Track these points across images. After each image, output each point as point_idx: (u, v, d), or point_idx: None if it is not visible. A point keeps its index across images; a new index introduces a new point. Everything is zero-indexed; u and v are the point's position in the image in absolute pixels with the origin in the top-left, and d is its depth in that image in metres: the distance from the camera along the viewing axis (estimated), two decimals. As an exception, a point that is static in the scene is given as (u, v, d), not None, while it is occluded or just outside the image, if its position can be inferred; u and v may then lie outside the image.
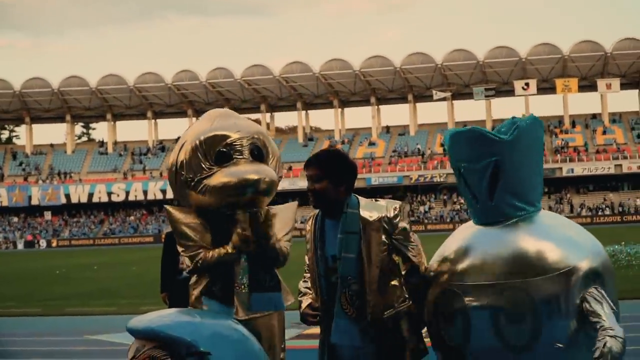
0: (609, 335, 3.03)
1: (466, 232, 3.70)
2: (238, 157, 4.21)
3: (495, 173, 3.38)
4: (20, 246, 70.33)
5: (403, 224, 3.39)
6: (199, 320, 3.36)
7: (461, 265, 3.45)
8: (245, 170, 4.11)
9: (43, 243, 70.72)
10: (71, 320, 14.52)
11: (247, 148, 4.27)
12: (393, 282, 3.38)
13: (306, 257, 3.65)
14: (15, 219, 75.47)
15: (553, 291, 3.24)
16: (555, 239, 3.42)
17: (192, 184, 4.16)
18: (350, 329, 3.27)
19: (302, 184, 63.74)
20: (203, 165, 4.13)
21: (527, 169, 3.51)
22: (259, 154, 4.33)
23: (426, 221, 66.45)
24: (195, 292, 3.89)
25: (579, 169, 68.23)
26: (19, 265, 37.03)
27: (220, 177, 4.06)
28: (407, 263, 3.45)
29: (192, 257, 4.10)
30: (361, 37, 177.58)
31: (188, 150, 4.19)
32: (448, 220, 65.23)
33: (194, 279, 3.97)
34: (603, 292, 3.25)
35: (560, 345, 3.23)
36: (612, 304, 3.25)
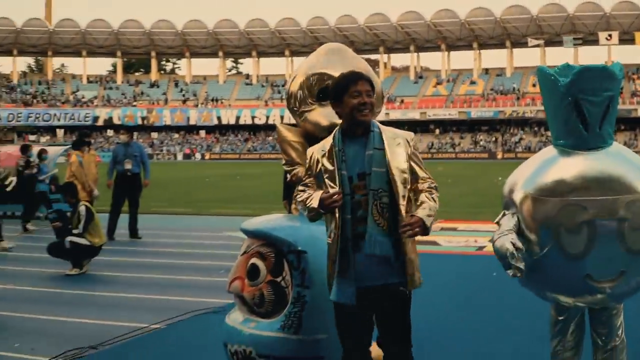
0: None
1: (572, 157, 3.91)
2: None
3: (608, 106, 3.80)
4: (179, 158, 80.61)
5: (418, 146, 3.63)
6: (299, 224, 4.24)
7: (583, 184, 3.76)
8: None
9: (198, 156, 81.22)
10: (214, 219, 16.39)
11: None
12: (410, 195, 3.51)
13: (306, 181, 3.67)
14: (176, 135, 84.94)
15: None
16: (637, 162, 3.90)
17: (297, 113, 4.71)
18: (382, 240, 3.35)
19: (413, 115, 79.40)
20: (306, 100, 4.62)
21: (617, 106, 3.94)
22: None
23: (517, 150, 73.88)
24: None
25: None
26: (176, 174, 40.51)
27: (316, 115, 4.56)
28: (419, 180, 3.57)
29: (289, 171, 4.70)
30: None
31: (297, 83, 4.68)
32: (536, 149, 61.95)
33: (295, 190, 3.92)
34: None
35: None
36: None
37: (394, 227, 3.43)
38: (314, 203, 3.44)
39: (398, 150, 3.53)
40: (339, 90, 3.59)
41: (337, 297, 3.50)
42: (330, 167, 3.49)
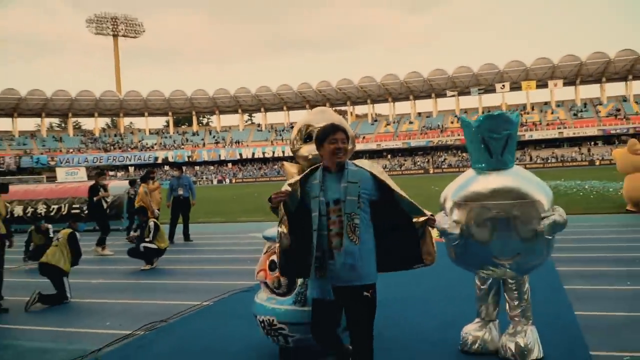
0: (556, 214, 3.83)
1: (482, 175, 4.02)
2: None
3: (507, 140, 3.89)
4: (214, 183, 79.11)
5: (380, 168, 3.46)
6: None
7: (488, 192, 3.86)
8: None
9: (227, 181, 79.93)
10: (241, 225, 15.85)
11: None
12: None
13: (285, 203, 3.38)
14: (212, 167, 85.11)
15: (540, 209, 3.82)
16: (530, 178, 4.00)
17: (293, 151, 4.70)
18: (354, 251, 3.15)
19: (371, 146, 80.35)
20: (298, 141, 4.63)
21: (515, 140, 4.02)
22: None
23: (443, 167, 74.59)
24: None
25: None
26: (213, 194, 40.49)
27: (303, 150, 4.56)
28: (392, 192, 3.37)
29: None
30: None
31: (294, 132, 4.69)
32: (455, 165, 72.55)
33: None
34: (561, 209, 3.93)
35: (549, 237, 3.84)
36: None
37: (361, 241, 3.25)
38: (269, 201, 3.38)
39: (367, 182, 3.36)
40: (322, 138, 3.42)
41: (318, 294, 3.35)
42: (313, 193, 3.34)
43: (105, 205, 11.69)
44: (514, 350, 4.05)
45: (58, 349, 5.00)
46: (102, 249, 11.38)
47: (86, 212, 15.39)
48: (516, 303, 4.17)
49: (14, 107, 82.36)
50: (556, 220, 3.78)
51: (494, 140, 3.90)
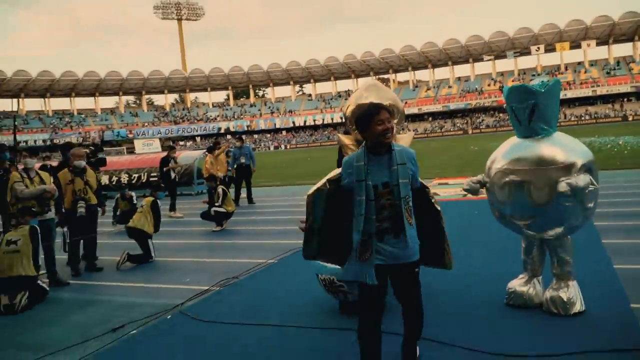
0: (572, 178, 3.56)
1: (515, 141, 3.91)
2: None
3: (532, 110, 3.68)
4: (271, 149, 78.25)
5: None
6: None
7: (512, 158, 3.78)
8: None
9: (282, 147, 78.84)
10: (296, 188, 15.55)
11: None
12: None
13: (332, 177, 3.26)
14: (268, 135, 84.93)
15: (559, 175, 3.58)
16: (562, 145, 3.73)
17: (349, 127, 4.45)
18: (413, 234, 2.86)
19: (413, 110, 79.45)
20: (352, 122, 4.23)
21: (550, 108, 3.73)
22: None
23: (481, 127, 72.15)
24: None
25: None
26: (270, 160, 38.46)
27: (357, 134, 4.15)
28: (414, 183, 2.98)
29: None
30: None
31: (349, 110, 4.38)
32: (492, 125, 70.94)
33: None
34: (585, 176, 3.62)
35: (568, 204, 3.61)
36: (593, 181, 3.64)
37: (414, 222, 2.93)
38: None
39: (410, 165, 2.97)
40: (366, 121, 2.94)
41: (356, 276, 2.95)
42: (359, 177, 2.90)
43: (173, 175, 11.89)
44: (557, 304, 3.94)
45: (145, 304, 5.18)
46: (174, 212, 11.66)
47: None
48: (557, 260, 4.04)
49: (96, 87, 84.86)
50: (570, 183, 3.54)
51: (520, 110, 3.80)
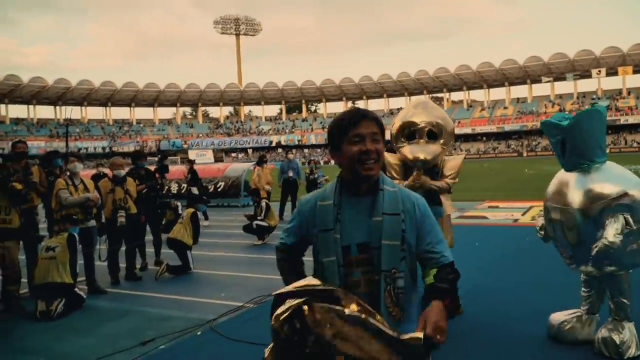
0: (602, 242, 3.15)
1: (560, 174, 3.64)
2: (418, 137, 4.17)
3: (563, 143, 3.45)
4: (321, 163, 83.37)
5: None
6: None
7: (552, 193, 3.59)
8: (417, 149, 4.09)
9: (332, 162, 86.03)
10: None
11: (424, 131, 4.15)
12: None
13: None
14: (319, 150, 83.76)
15: (591, 214, 3.25)
16: (608, 178, 3.32)
17: (396, 146, 4.33)
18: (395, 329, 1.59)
19: (466, 131, 78.71)
20: (399, 138, 4.25)
21: (585, 140, 3.38)
22: (432, 135, 4.17)
23: (537, 150, 70.17)
24: None
25: None
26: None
27: (405, 150, 4.14)
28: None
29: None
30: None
31: (395, 128, 4.30)
32: (549, 149, 63.10)
33: None
34: (624, 214, 3.18)
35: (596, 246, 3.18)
36: (629, 221, 3.18)
37: (407, 316, 1.80)
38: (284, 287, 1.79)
39: (412, 216, 1.84)
40: (336, 136, 1.84)
41: None
42: (324, 225, 1.82)
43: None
44: (609, 346, 3.62)
45: (179, 317, 5.11)
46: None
47: (211, 191, 16.06)
48: (614, 297, 3.70)
49: (155, 99, 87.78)
50: (600, 249, 3.21)
51: (553, 145, 3.65)
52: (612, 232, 3.17)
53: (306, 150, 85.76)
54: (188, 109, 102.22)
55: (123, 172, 6.84)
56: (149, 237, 7.68)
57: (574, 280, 4.06)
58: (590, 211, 3.32)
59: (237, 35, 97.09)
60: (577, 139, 3.43)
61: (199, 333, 4.62)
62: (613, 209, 3.24)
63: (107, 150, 77.30)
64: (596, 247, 3.23)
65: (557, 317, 3.97)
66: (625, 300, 3.66)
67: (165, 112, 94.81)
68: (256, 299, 5.61)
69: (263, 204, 9.63)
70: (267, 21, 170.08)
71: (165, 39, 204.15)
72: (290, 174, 12.97)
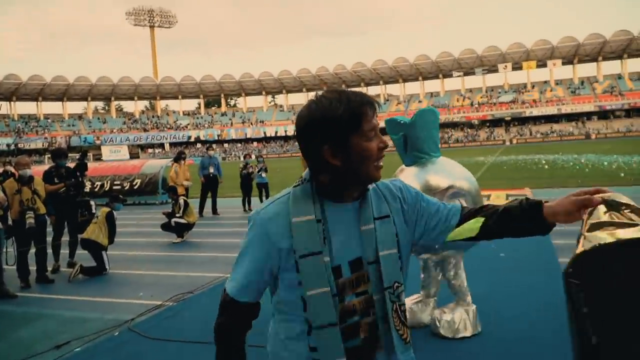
0: None
1: (402, 169, 3.90)
2: None
3: (405, 140, 3.76)
4: (241, 159, 72.48)
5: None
6: None
7: None
8: None
9: (253, 157, 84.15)
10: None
11: None
12: None
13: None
14: (239, 145, 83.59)
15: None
16: (439, 171, 3.67)
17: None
18: (408, 355, 1.39)
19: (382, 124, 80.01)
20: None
21: (423, 136, 3.71)
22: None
23: (450, 142, 72.47)
24: None
25: None
26: (236, 169, 39.95)
27: None
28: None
29: None
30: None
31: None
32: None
33: None
34: (459, 200, 3.46)
35: None
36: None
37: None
38: None
39: (400, 217, 1.47)
40: (343, 127, 1.31)
41: None
42: (310, 248, 1.34)
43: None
44: (443, 327, 3.95)
45: (95, 319, 5.01)
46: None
47: (126, 188, 15.57)
48: (451, 280, 4.05)
49: (64, 92, 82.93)
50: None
51: (396, 141, 3.86)
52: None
53: (226, 145, 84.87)
54: (100, 104, 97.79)
55: (29, 171, 6.53)
56: (65, 237, 7.42)
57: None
58: (444, 193, 3.61)
59: (152, 27, 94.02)
60: (417, 134, 3.74)
61: (116, 333, 4.57)
62: (449, 199, 3.52)
63: (13, 147, 72.36)
64: None
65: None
66: (460, 283, 4.01)
67: (76, 107, 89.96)
68: (176, 296, 5.59)
69: (181, 201, 9.52)
70: (183, 13, 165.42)
71: (74, 29, 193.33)
72: (211, 170, 12.86)
